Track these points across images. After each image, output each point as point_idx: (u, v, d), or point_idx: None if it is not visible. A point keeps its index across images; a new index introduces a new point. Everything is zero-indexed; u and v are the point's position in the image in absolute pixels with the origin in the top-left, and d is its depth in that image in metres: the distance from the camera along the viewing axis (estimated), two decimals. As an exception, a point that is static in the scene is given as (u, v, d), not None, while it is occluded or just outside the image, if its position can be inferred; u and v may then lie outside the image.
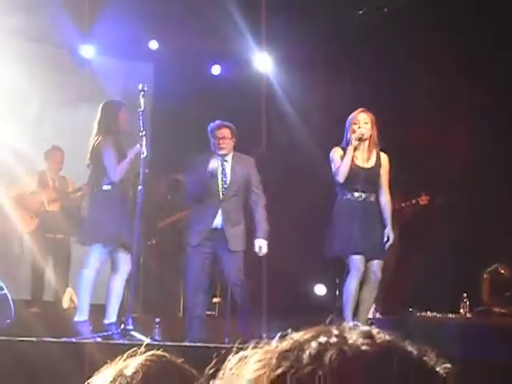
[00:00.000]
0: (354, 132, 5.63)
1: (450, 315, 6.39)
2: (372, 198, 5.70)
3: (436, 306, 6.79)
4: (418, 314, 6.61)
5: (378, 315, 6.79)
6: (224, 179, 6.06)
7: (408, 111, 7.56)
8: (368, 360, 0.85)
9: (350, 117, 5.73)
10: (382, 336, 0.88)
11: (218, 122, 6.14)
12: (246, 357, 0.92)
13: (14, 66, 7.88)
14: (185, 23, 7.73)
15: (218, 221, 5.98)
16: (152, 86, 8.06)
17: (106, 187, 5.78)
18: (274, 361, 0.87)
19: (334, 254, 5.76)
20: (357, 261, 5.61)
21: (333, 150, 5.77)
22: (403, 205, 7.10)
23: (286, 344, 0.88)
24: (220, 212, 5.99)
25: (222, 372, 0.94)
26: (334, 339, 0.87)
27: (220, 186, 6.04)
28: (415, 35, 7.39)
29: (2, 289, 5.38)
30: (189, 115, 8.23)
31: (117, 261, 5.82)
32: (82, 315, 5.68)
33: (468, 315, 6.35)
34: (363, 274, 5.66)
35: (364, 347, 0.86)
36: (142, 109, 5.73)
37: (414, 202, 7.10)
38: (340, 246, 5.65)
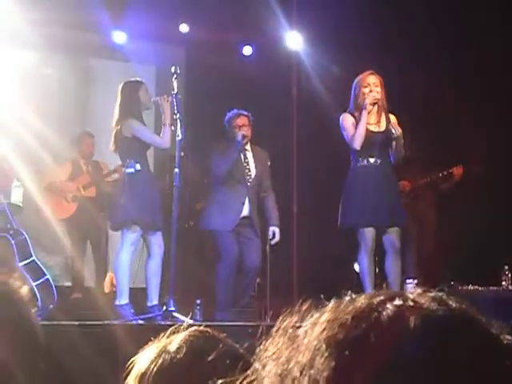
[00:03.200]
0: (364, 95, 5.51)
1: (492, 288, 6.33)
2: (387, 162, 5.61)
3: (477, 279, 6.74)
4: (459, 288, 6.57)
5: (413, 285, 6.73)
6: (248, 167, 6.16)
7: (441, 84, 7.45)
8: (448, 326, 0.82)
9: (358, 80, 5.61)
10: (454, 303, 0.85)
11: (235, 110, 6.24)
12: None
13: (46, 53, 7.94)
14: (214, 5, 7.71)
15: (246, 208, 6.08)
16: (184, 69, 8.05)
17: (133, 170, 5.79)
18: (349, 321, 0.82)
19: (349, 225, 5.68)
20: (367, 234, 5.54)
21: (342, 117, 5.64)
22: (435, 177, 6.96)
23: (358, 305, 0.84)
24: (247, 200, 6.08)
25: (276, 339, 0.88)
26: (410, 303, 0.83)
27: (246, 174, 6.13)
28: (452, 17, 7.30)
29: (45, 274, 5.45)
30: (221, 96, 8.22)
31: (150, 244, 5.87)
32: (122, 298, 5.74)
33: (510, 287, 6.28)
34: (385, 244, 5.58)
35: (441, 313, 0.83)
36: (176, 91, 5.75)
37: (446, 173, 6.93)
38: (354, 217, 5.57)
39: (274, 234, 6.15)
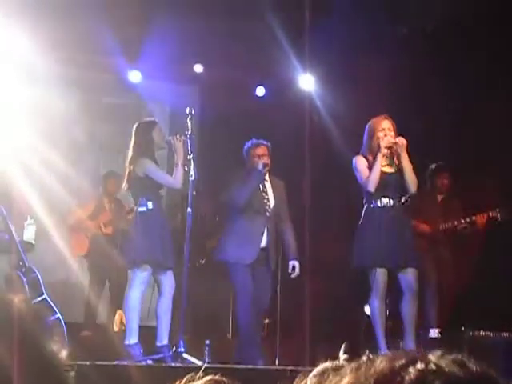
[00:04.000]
0: (379, 139, 5.57)
1: (504, 334, 6.28)
2: (400, 203, 5.61)
3: (488, 324, 6.69)
4: (470, 333, 6.52)
5: (436, 334, 6.65)
6: (266, 197, 6.06)
7: (458, 124, 7.48)
8: None
9: (373, 123, 5.68)
10: (474, 366, 0.85)
11: (254, 140, 6.18)
12: (327, 379, 0.87)
13: (63, 92, 8.04)
14: (229, 46, 7.80)
15: (264, 239, 5.95)
16: (198, 109, 8.13)
17: (145, 208, 5.82)
18: None
19: (361, 266, 5.64)
20: (379, 275, 5.51)
21: (356, 159, 5.70)
22: (457, 224, 6.87)
23: (380, 368, 0.83)
24: (266, 230, 5.97)
25: None
26: (432, 366, 0.83)
27: (265, 204, 6.02)
28: (457, 56, 7.36)
29: (56, 313, 5.45)
30: (234, 137, 8.28)
31: (161, 283, 5.88)
32: (132, 338, 5.73)
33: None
34: (401, 285, 5.53)
35: (463, 376, 0.82)
36: (190, 132, 5.79)
37: (469, 220, 6.83)
38: (366, 258, 5.55)
39: (293, 268, 6.02)
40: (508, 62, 7.03)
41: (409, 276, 5.53)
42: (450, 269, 6.97)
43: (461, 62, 7.37)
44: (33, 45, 7.26)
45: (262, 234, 5.93)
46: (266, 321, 7.50)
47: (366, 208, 5.65)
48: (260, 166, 5.98)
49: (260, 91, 8.81)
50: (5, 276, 5.47)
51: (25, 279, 5.38)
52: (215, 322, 7.62)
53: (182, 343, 5.50)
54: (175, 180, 5.81)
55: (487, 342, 6.02)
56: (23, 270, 5.40)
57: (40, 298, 5.43)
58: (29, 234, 5.82)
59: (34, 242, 5.85)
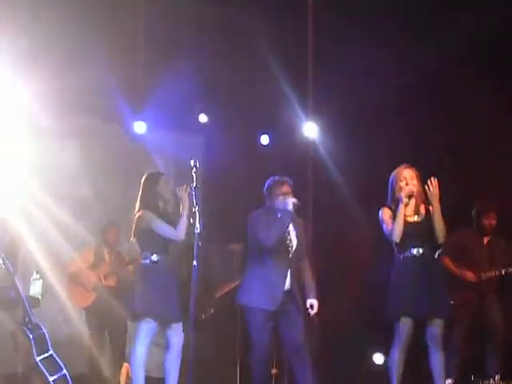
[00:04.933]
0: (401, 189, 5.58)
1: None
2: (430, 252, 5.56)
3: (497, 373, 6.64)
4: (480, 382, 6.47)
5: None
6: (289, 237, 5.76)
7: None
8: None
9: (395, 174, 5.67)
10: None
11: (277, 177, 5.86)
12: None
13: (67, 142, 8.10)
14: (233, 95, 7.87)
15: (288, 282, 5.65)
16: (202, 158, 8.18)
17: (148, 261, 5.82)
18: None
19: (390, 317, 5.56)
20: (402, 326, 5.46)
21: (381, 211, 5.69)
22: (504, 271, 6.80)
23: None
24: (289, 273, 5.67)
25: None
26: None
27: (288, 245, 5.73)
28: (464, 97, 7.43)
29: (62, 369, 5.42)
30: (239, 185, 8.32)
31: (168, 336, 5.84)
32: None
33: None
34: (426, 337, 5.47)
35: None
36: (195, 185, 5.79)
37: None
38: (392, 309, 5.50)
39: (311, 306, 5.70)
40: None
41: (434, 327, 5.48)
42: (498, 317, 6.84)
43: (468, 104, 7.41)
44: (36, 94, 7.32)
45: (286, 277, 5.63)
46: (274, 371, 7.45)
47: (396, 258, 5.62)
48: (289, 205, 5.59)
49: (264, 140, 8.86)
50: (11, 333, 5.45)
51: (31, 336, 5.36)
52: (222, 377, 7.57)
53: (189, 399, 5.44)
54: (178, 232, 5.79)
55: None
56: (29, 326, 5.37)
57: (46, 355, 5.41)
58: (35, 289, 5.81)
59: (40, 297, 5.84)
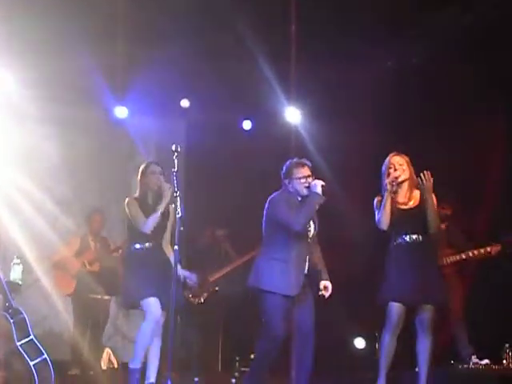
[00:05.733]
0: (389, 176, 5.57)
1: (494, 366, 6.28)
2: (422, 239, 5.51)
3: (478, 356, 6.69)
4: (459, 366, 6.52)
5: None
6: (309, 222, 5.58)
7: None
8: None
9: (386, 162, 5.64)
10: None
11: (296, 159, 5.63)
12: None
13: (49, 129, 8.06)
14: (215, 80, 7.85)
15: (306, 266, 5.52)
16: (184, 143, 8.17)
17: (136, 247, 5.84)
18: None
19: (380, 302, 5.51)
20: (393, 309, 5.44)
21: (375, 199, 5.67)
22: (471, 254, 6.90)
23: None
24: (307, 258, 5.53)
25: None
26: None
27: (308, 229, 5.56)
28: (442, 87, 7.44)
29: (43, 353, 5.41)
30: (222, 170, 8.32)
31: None
32: (136, 363, 5.72)
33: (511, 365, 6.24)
34: (416, 323, 5.47)
35: None
36: (176, 169, 5.77)
37: (483, 251, 6.84)
38: (385, 294, 5.48)
39: (325, 288, 5.53)
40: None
41: (423, 313, 5.46)
42: (458, 295, 6.94)
43: (448, 101, 7.43)
44: (18, 82, 7.28)
45: (306, 262, 5.50)
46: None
47: (389, 245, 5.59)
48: (318, 188, 5.39)
49: (246, 125, 8.85)
50: (-9, 318, 5.42)
51: (12, 320, 5.34)
52: (204, 358, 7.59)
53: (169, 382, 5.44)
54: (146, 224, 5.80)
55: (478, 374, 6.01)
56: (10, 311, 5.36)
57: (27, 339, 5.39)
58: (15, 274, 5.79)
59: (20, 283, 5.82)
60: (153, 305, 5.76)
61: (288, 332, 5.36)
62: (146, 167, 6.09)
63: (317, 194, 5.37)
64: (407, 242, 5.51)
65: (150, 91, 7.87)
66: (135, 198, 5.94)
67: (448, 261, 6.95)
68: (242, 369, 7.33)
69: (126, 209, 5.89)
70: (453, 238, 7.09)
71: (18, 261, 5.85)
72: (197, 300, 7.65)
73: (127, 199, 5.91)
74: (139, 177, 6.04)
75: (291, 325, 5.39)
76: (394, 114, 7.74)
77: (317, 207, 5.42)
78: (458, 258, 6.92)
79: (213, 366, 7.56)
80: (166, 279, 5.74)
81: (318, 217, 5.63)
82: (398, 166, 5.59)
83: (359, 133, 7.79)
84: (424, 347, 5.45)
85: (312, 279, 5.54)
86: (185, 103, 8.39)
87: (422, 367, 5.44)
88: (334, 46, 7.31)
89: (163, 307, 5.79)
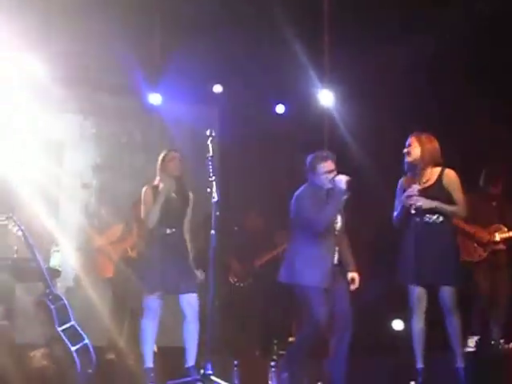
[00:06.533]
0: (403, 155, 5.52)
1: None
2: (439, 219, 5.42)
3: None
4: (500, 347, 6.49)
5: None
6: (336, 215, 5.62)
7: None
8: None
9: None
10: None
11: (318, 153, 5.62)
12: None
13: (82, 118, 8.14)
14: (247, 65, 7.84)
15: (336, 258, 5.57)
16: (217, 129, 8.18)
17: (155, 233, 5.91)
18: None
19: (399, 282, 5.49)
20: (412, 292, 5.43)
21: (400, 180, 5.66)
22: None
23: None
24: (336, 249, 5.59)
25: None
26: None
27: (335, 222, 5.59)
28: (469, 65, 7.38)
29: (83, 339, 5.48)
30: (255, 155, 8.33)
31: (182, 306, 5.91)
32: (146, 362, 5.81)
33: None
34: (441, 302, 5.40)
35: None
36: (211, 154, 5.80)
37: None
38: (402, 275, 5.45)
39: (353, 280, 5.60)
40: None
41: (444, 293, 5.39)
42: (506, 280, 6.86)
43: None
44: (51, 71, 7.34)
45: (334, 254, 5.54)
46: (291, 339, 7.51)
47: (407, 226, 5.49)
48: (343, 184, 5.38)
49: (280, 109, 8.84)
50: (33, 304, 5.51)
51: (52, 306, 5.42)
52: (243, 342, 7.63)
53: (209, 365, 5.49)
54: (148, 217, 5.86)
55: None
56: (50, 297, 5.44)
57: (68, 325, 5.47)
58: (55, 261, 5.87)
59: (60, 269, 5.90)
60: (151, 301, 5.81)
61: (328, 318, 5.38)
62: (165, 155, 6.12)
63: (341, 191, 5.35)
64: (421, 221, 5.42)
65: (183, 78, 7.89)
66: (153, 187, 5.97)
67: (500, 237, 6.84)
68: (280, 352, 7.36)
69: (142, 197, 5.93)
70: (505, 215, 6.94)
71: (58, 248, 5.93)
72: (238, 283, 7.71)
73: (144, 188, 5.96)
74: (159, 164, 6.07)
75: (328, 312, 5.41)
76: (428, 96, 7.68)
77: (342, 204, 5.43)
78: (510, 234, 6.82)
79: (251, 350, 7.59)
80: (180, 265, 5.79)
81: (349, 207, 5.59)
82: (408, 146, 5.49)
83: (392, 116, 7.74)
84: (452, 327, 5.38)
85: (342, 270, 5.59)
86: (218, 88, 8.40)
87: (455, 347, 5.38)
88: (367, 30, 7.26)
89: (176, 291, 5.84)
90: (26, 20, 6.54)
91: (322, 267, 5.41)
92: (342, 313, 5.46)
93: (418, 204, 5.41)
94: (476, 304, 6.75)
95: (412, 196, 5.42)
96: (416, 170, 5.50)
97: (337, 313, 5.47)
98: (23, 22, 6.52)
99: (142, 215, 5.91)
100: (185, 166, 6.20)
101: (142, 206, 5.92)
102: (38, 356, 5.23)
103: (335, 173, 5.46)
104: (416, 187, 5.43)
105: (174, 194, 6.04)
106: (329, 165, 5.49)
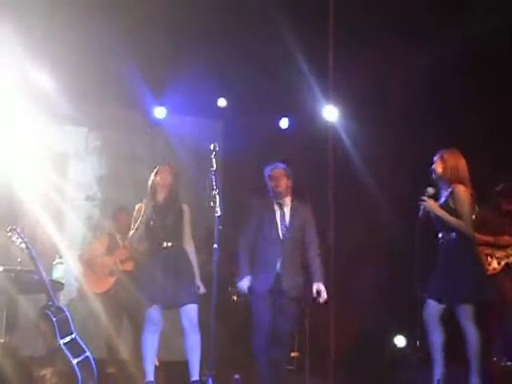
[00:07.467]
0: (431, 172, 5.64)
1: None
2: (453, 237, 5.49)
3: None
4: (502, 364, 6.45)
5: None
6: (283, 222, 5.98)
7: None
8: None
9: None
10: None
11: (269, 166, 6.12)
12: None
13: (85, 130, 8.16)
14: (252, 80, 7.86)
15: (278, 265, 5.86)
16: (221, 142, 8.19)
17: (149, 247, 5.96)
18: None
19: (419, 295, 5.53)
20: (427, 306, 5.48)
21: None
22: None
23: None
24: (281, 256, 5.87)
25: None
26: None
27: (278, 229, 5.93)
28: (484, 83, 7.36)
29: (85, 351, 5.47)
30: (259, 170, 8.31)
31: (181, 319, 5.91)
32: (147, 377, 5.84)
33: None
34: (458, 316, 5.44)
35: None
36: (215, 168, 5.80)
37: None
38: (423, 289, 5.49)
39: (318, 293, 5.80)
40: None
41: (460, 312, 5.45)
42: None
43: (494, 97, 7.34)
44: (56, 84, 7.37)
45: (277, 261, 5.84)
46: (295, 354, 7.47)
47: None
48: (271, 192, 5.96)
49: (284, 123, 8.85)
50: (35, 316, 5.50)
51: (54, 319, 5.41)
52: (243, 355, 7.61)
53: (210, 380, 5.47)
54: (131, 235, 5.89)
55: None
56: (53, 309, 5.43)
57: (70, 338, 5.46)
58: (58, 273, 5.86)
59: (63, 282, 5.89)
60: (152, 312, 5.82)
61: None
62: (156, 170, 6.16)
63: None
64: (441, 239, 5.52)
65: (188, 91, 7.91)
66: (146, 202, 6.00)
67: None
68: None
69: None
70: None
71: (61, 260, 5.92)
72: (235, 298, 7.70)
73: (137, 205, 6.00)
74: (150, 179, 6.11)
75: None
76: (432, 112, 7.68)
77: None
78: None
79: (252, 363, 7.57)
80: (178, 277, 5.78)
81: (299, 218, 5.89)
82: (434, 163, 5.61)
83: (396, 131, 7.75)
84: (469, 342, 5.40)
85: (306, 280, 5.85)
86: (222, 102, 8.42)
87: (472, 361, 5.39)
88: (372, 45, 7.28)
89: (172, 305, 5.85)
90: (31, 33, 6.57)
91: (263, 271, 5.77)
92: (276, 327, 5.74)
93: (427, 206, 5.49)
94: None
95: (424, 200, 5.52)
96: (439, 187, 5.60)
97: (274, 324, 5.74)
98: (28, 35, 6.55)
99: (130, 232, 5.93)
100: (181, 180, 6.22)
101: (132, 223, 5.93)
102: (48, 375, 5.21)
103: (277, 182, 5.97)
104: (431, 190, 5.55)
105: (163, 208, 6.03)
106: (272, 175, 6.04)
